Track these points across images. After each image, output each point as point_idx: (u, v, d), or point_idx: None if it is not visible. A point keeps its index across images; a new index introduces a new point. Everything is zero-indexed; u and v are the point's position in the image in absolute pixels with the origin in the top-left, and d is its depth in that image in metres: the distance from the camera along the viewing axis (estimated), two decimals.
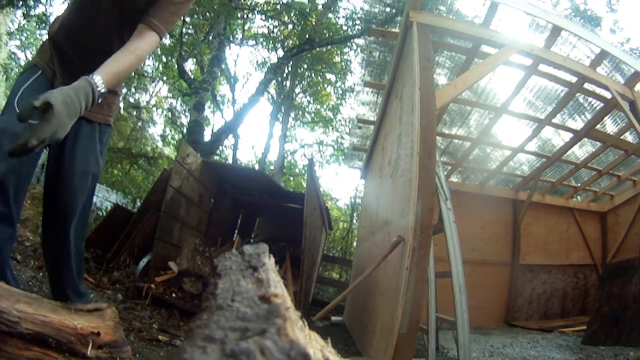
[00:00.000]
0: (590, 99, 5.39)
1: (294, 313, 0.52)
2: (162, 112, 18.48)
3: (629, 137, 5.93)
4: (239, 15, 12.29)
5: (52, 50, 2.13)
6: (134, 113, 17.47)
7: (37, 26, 13.23)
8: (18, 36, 25.62)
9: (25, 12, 12.37)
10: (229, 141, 14.98)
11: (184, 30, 11.23)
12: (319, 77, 16.46)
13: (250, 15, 13.14)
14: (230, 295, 0.51)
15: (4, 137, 1.85)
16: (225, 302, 0.50)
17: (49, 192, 2.17)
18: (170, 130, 18.90)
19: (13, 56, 23.53)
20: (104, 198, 10.23)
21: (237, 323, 0.46)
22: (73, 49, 2.12)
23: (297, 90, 17.04)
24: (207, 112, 14.38)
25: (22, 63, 18.32)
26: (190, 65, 14.46)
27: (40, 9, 12.18)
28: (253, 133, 46.18)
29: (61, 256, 2.21)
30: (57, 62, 2.12)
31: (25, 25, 21.42)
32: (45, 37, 2.23)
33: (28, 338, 1.16)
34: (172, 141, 18.60)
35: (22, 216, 6.96)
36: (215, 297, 0.51)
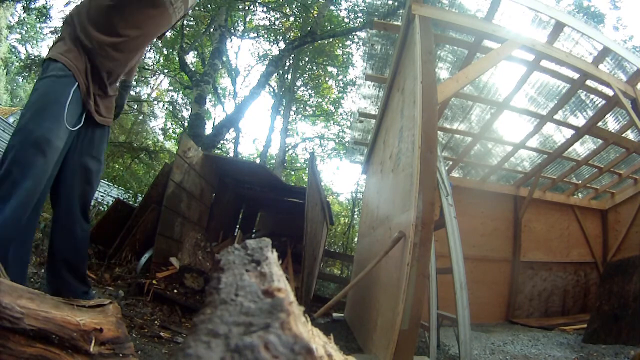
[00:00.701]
0: (592, 96, 5.38)
1: (297, 307, 0.52)
2: (163, 105, 18.47)
3: (630, 135, 5.92)
4: (240, 7, 12.26)
5: (88, 60, 2.26)
6: (135, 106, 17.45)
7: (38, 19, 13.17)
8: (18, 30, 25.62)
9: (25, 5, 12.33)
10: (230, 135, 14.98)
11: (184, 22, 11.19)
12: (321, 70, 16.45)
13: (251, 7, 13.10)
14: (234, 289, 0.51)
15: (49, 147, 2.02)
16: (228, 296, 0.49)
17: (67, 189, 2.35)
18: (171, 124, 18.91)
19: (13, 50, 23.54)
20: (106, 193, 10.24)
21: (241, 318, 0.45)
22: (120, 58, 2.38)
23: (299, 83, 17.03)
24: (208, 105, 14.37)
25: (22, 57, 18.28)
26: (191, 58, 14.48)
27: (40, 2, 12.14)
28: (254, 126, 46.22)
29: (84, 245, 2.51)
30: (91, 73, 2.28)
31: (26, 19, 21.40)
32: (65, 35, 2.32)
33: (31, 334, 1.16)
34: (173, 135, 18.63)
35: None
36: (219, 291, 0.50)
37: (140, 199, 6.97)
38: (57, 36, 2.40)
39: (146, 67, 16.34)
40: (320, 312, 3.53)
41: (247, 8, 13.06)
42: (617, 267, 4.90)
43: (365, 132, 7.28)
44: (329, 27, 12.05)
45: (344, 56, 15.53)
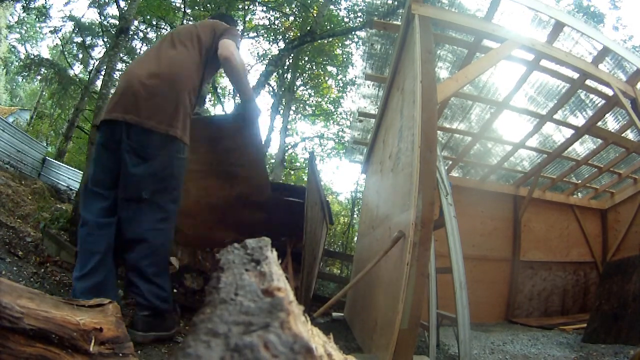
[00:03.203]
0: (591, 95, 5.38)
1: (297, 307, 0.52)
2: None
3: (630, 134, 5.92)
4: (240, 6, 12.25)
5: None
6: None
7: (37, 19, 13.16)
8: (18, 29, 25.60)
9: (25, 4, 12.33)
10: None
11: (184, 21, 11.19)
12: (320, 70, 16.44)
13: (251, 6, 13.10)
14: (234, 289, 0.51)
15: None
16: (228, 296, 0.49)
17: None
18: None
19: (13, 49, 23.52)
20: None
21: (241, 317, 0.45)
22: None
23: (298, 82, 17.01)
24: (208, 104, 14.37)
25: (22, 56, 18.30)
26: None
27: (40, 1, 12.13)
28: None
29: None
30: None
31: (25, 18, 21.38)
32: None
33: (30, 334, 1.15)
34: None
35: (23, 212, 6.98)
36: (219, 291, 0.50)
37: None
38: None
39: None
40: (319, 312, 3.52)
41: (246, 7, 13.06)
42: (617, 266, 4.91)
43: (365, 131, 7.28)
44: (328, 27, 12.04)
45: (344, 56, 15.54)
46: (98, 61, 15.42)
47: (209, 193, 3.58)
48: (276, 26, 14.47)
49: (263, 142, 3.18)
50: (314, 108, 18.50)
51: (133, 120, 2.55)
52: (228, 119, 3.23)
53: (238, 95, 3.03)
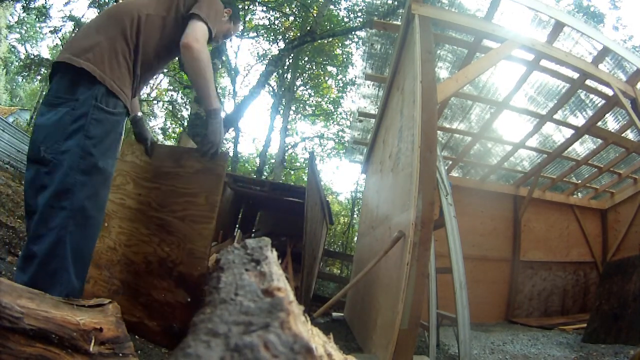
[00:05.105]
0: (591, 95, 5.38)
1: (297, 307, 0.52)
2: (163, 105, 18.45)
3: (630, 134, 5.92)
4: (239, 6, 12.23)
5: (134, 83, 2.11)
6: None
7: (37, 19, 13.15)
8: (18, 29, 25.63)
9: (25, 4, 12.31)
10: (229, 134, 14.99)
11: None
12: (320, 70, 16.45)
13: (251, 6, 13.10)
14: (234, 289, 0.51)
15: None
16: (228, 295, 0.49)
17: None
18: (171, 124, 18.90)
19: (13, 49, 23.54)
20: None
21: (241, 317, 0.45)
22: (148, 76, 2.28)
23: (298, 82, 17.02)
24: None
25: (22, 56, 18.31)
26: None
27: (40, 2, 12.12)
28: (254, 126, 46.17)
29: None
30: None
31: (25, 18, 21.39)
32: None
33: (30, 334, 1.15)
34: (173, 134, 18.61)
35: (23, 212, 6.98)
36: (219, 291, 0.50)
37: None
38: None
39: None
40: (319, 312, 3.52)
41: (246, 7, 13.06)
42: (617, 266, 4.91)
43: (365, 131, 7.28)
44: (328, 27, 12.05)
45: (344, 55, 15.55)
46: None
47: (129, 241, 2.54)
48: (276, 26, 14.48)
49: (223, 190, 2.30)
50: (314, 108, 18.51)
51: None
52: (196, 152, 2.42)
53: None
